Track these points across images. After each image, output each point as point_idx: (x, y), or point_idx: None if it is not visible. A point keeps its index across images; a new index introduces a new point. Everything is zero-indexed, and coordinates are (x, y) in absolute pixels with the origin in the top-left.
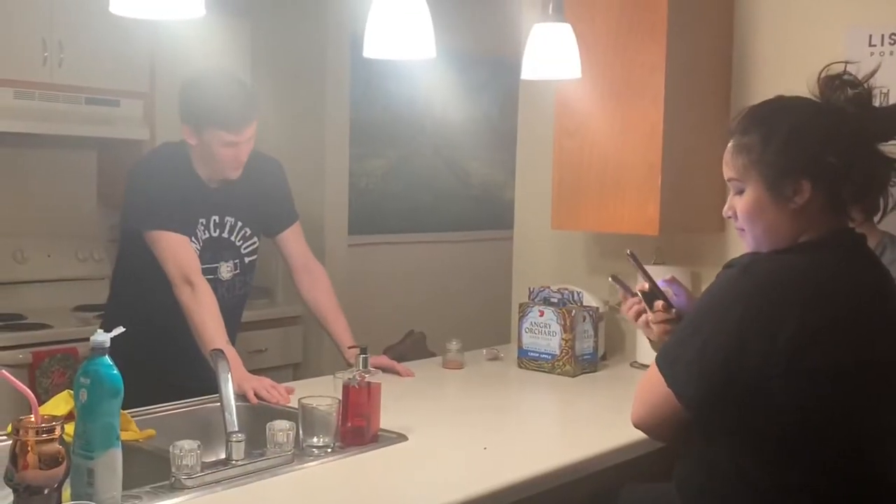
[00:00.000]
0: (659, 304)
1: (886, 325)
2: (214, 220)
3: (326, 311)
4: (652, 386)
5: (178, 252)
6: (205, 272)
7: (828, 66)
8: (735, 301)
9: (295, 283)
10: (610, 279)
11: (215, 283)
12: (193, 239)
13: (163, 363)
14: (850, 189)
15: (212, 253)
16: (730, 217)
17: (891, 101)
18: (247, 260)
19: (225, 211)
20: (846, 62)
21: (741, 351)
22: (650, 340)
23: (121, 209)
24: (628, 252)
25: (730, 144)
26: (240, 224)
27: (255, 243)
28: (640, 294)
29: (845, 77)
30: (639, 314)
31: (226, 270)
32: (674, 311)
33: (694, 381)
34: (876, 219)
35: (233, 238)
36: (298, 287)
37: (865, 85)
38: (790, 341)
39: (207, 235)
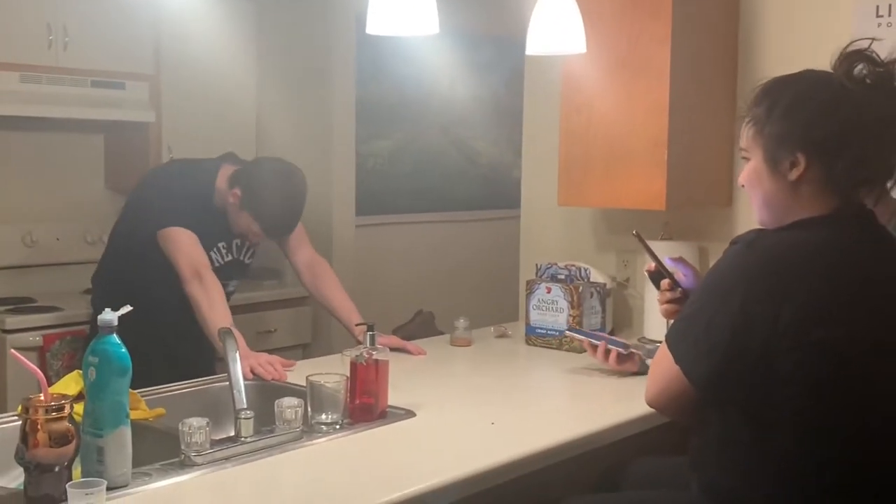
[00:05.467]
0: (665, 282)
1: None
2: (236, 244)
3: (332, 300)
4: (663, 364)
5: (191, 248)
6: None
7: (852, 42)
8: (739, 277)
9: (299, 279)
10: (634, 233)
11: None
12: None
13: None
14: (843, 168)
15: (225, 273)
16: (744, 186)
17: None
18: (247, 269)
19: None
20: (871, 39)
21: (747, 327)
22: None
23: (124, 210)
24: (634, 232)
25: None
26: (247, 244)
27: (254, 250)
28: (647, 274)
29: (867, 54)
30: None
31: (233, 286)
32: (679, 289)
33: (701, 358)
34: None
35: (242, 258)
36: (303, 283)
37: (890, 66)
38: (795, 316)
39: (221, 262)
